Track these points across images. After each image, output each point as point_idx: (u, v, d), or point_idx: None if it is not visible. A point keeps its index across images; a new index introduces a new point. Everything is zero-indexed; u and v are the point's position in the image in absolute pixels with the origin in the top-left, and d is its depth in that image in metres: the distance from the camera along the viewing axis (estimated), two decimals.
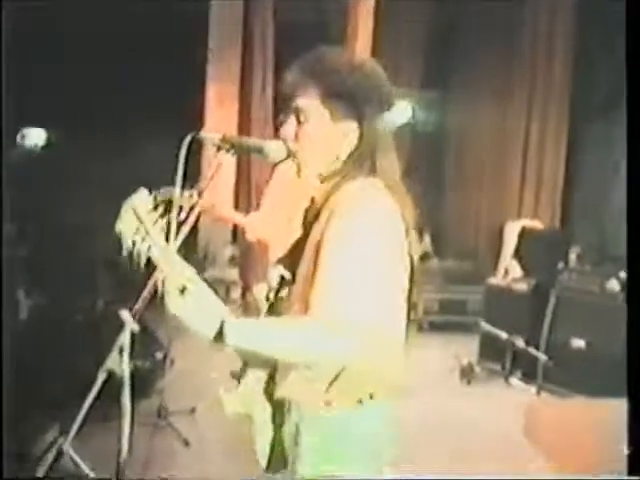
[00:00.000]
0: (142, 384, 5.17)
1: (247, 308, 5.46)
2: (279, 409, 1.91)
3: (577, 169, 8.59)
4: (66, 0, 7.08)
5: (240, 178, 8.60)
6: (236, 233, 8.17)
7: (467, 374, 6.10)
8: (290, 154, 1.86)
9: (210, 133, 1.89)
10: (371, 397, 1.82)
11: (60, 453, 2.17)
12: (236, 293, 7.22)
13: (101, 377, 1.90)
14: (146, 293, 1.81)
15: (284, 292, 1.90)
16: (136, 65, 7.98)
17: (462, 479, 3.71)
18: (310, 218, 1.88)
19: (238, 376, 1.96)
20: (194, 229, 1.83)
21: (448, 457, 4.48)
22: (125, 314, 1.80)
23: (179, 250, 1.78)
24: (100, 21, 7.65)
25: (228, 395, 1.95)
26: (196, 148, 1.84)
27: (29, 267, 6.04)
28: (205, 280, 1.73)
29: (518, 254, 6.95)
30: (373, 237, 1.70)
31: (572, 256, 6.09)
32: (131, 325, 1.82)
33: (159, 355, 5.29)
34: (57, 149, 8.99)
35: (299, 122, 1.86)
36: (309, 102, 1.84)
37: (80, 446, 3.18)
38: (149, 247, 1.77)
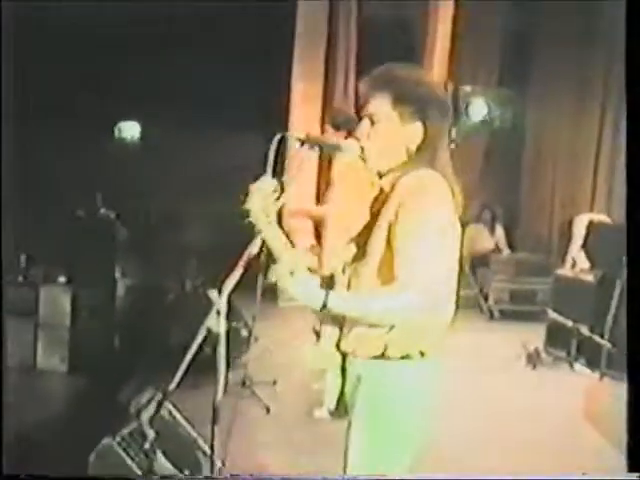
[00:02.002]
0: (227, 357, 5.61)
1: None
2: (346, 361, 2.28)
3: None
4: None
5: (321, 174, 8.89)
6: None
7: (533, 359, 6.33)
8: (362, 151, 2.23)
9: (296, 132, 2.28)
10: (422, 354, 2.17)
11: (160, 404, 2.56)
12: None
13: (201, 334, 2.23)
14: (240, 268, 2.17)
15: (355, 265, 2.25)
16: (226, 65, 8.43)
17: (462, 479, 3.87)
18: (378, 205, 2.22)
19: (317, 333, 2.33)
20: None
21: (508, 438, 4.69)
22: (214, 294, 2.18)
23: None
24: (189, 20, 8.13)
25: (312, 352, 2.32)
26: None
27: (126, 249, 6.49)
28: None
29: (586, 246, 7.11)
30: (440, 220, 2.08)
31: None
32: (218, 304, 2.16)
33: (244, 332, 5.72)
34: (151, 141, 9.60)
35: (372, 124, 2.22)
36: (381, 107, 2.20)
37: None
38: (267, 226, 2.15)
